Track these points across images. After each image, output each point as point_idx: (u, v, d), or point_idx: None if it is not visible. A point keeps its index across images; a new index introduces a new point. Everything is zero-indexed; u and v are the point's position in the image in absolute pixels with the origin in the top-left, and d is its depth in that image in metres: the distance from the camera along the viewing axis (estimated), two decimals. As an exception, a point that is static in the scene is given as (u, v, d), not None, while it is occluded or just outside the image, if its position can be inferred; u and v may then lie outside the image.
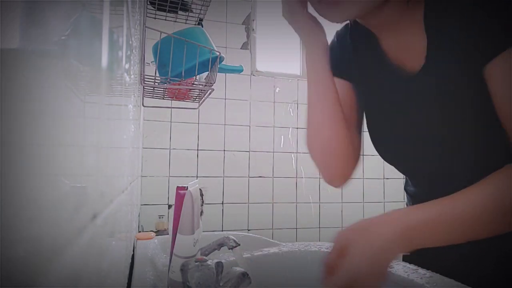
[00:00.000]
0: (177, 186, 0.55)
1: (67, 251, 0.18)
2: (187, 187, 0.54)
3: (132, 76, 0.70)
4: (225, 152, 2.40)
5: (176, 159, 2.29)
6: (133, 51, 0.71)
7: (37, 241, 0.14)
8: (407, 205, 0.79)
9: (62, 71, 0.18)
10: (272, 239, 0.90)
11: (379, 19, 0.58)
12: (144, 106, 1.30)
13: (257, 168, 2.44)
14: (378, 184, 2.56)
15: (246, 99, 2.47)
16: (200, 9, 1.16)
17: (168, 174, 2.27)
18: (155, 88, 1.12)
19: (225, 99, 2.42)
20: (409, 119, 0.63)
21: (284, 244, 0.81)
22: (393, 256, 0.45)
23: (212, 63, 1.04)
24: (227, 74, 2.23)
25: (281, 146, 2.51)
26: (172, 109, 1.96)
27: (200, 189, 0.59)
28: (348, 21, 0.72)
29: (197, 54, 0.97)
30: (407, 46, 0.60)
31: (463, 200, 0.47)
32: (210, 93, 1.12)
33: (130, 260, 0.70)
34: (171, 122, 2.29)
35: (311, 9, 0.63)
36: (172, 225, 0.55)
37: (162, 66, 1.01)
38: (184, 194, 0.52)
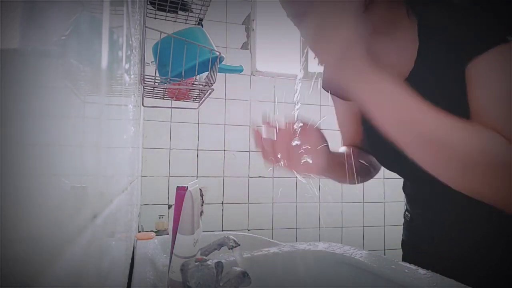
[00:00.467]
0: (177, 186, 0.55)
1: (67, 251, 0.18)
2: (187, 187, 0.54)
3: (132, 76, 0.70)
4: (225, 152, 2.40)
5: (176, 159, 2.29)
6: (133, 51, 0.71)
7: (37, 241, 0.14)
8: (406, 205, 0.79)
9: (62, 71, 0.18)
10: (272, 239, 0.91)
11: (370, 25, 0.58)
12: (144, 106, 1.30)
13: (257, 168, 2.44)
14: (378, 184, 2.56)
15: (246, 99, 2.47)
16: (200, 9, 1.16)
17: (168, 174, 2.27)
18: (155, 88, 1.12)
19: (225, 99, 2.42)
20: None
21: (284, 244, 0.81)
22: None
23: (212, 63, 1.04)
24: (227, 74, 2.23)
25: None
26: (172, 109, 1.96)
27: (200, 189, 0.59)
28: None
29: (197, 54, 0.97)
30: (397, 51, 0.60)
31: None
32: (210, 93, 1.12)
33: (130, 260, 0.70)
34: (171, 122, 2.29)
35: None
36: (172, 225, 0.55)
37: (162, 66, 1.01)
38: (184, 194, 0.52)
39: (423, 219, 0.72)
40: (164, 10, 1.14)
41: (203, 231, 0.63)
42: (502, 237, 0.59)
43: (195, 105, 1.28)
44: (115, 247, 0.39)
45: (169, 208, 2.22)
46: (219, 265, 0.47)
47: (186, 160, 2.31)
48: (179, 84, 1.05)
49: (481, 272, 0.60)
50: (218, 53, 1.02)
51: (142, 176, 2.11)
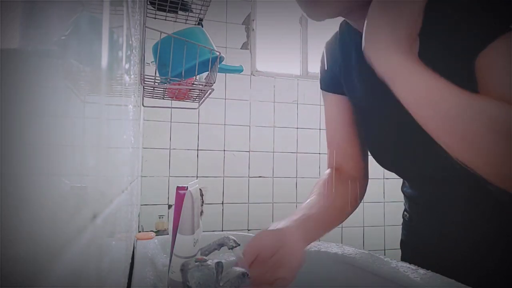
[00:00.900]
0: (177, 186, 0.55)
1: (67, 251, 0.18)
2: (187, 187, 0.54)
3: (132, 76, 0.70)
4: (225, 152, 2.40)
5: (176, 159, 2.29)
6: (133, 51, 0.71)
7: (37, 241, 0.14)
8: (404, 205, 0.79)
9: (62, 71, 0.18)
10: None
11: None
12: (144, 106, 1.30)
13: (257, 168, 2.44)
14: (378, 184, 2.56)
15: (246, 99, 2.47)
16: (200, 9, 1.16)
17: (168, 174, 2.27)
18: (155, 88, 1.12)
19: (225, 99, 2.42)
20: (401, 123, 0.63)
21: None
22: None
23: (212, 63, 1.04)
24: (227, 74, 2.23)
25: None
26: (172, 109, 1.96)
27: (200, 189, 0.59)
28: (337, 30, 0.73)
29: (197, 54, 0.97)
30: None
31: None
32: (210, 93, 1.12)
33: (130, 260, 0.70)
34: (171, 122, 2.29)
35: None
36: (172, 225, 0.55)
37: (162, 66, 1.01)
38: (184, 194, 0.52)
39: (422, 219, 0.72)
40: (164, 10, 1.14)
41: (203, 231, 0.63)
42: (502, 237, 0.59)
43: (195, 105, 1.28)
44: (115, 247, 0.39)
45: (169, 208, 2.22)
46: (219, 265, 0.47)
47: (186, 160, 2.31)
48: (179, 84, 1.05)
49: (481, 272, 0.60)
50: (218, 53, 1.02)
51: (142, 176, 2.11)
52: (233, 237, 0.61)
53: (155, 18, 1.17)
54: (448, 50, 0.52)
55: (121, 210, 0.46)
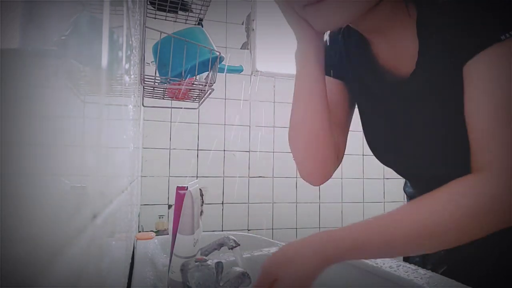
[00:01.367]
0: (177, 186, 0.55)
1: (67, 251, 0.18)
2: (187, 187, 0.54)
3: (132, 76, 0.70)
4: (225, 152, 2.40)
5: (176, 159, 2.29)
6: (133, 51, 0.71)
7: (37, 241, 0.14)
8: None
9: (62, 71, 0.18)
10: (272, 239, 0.91)
11: (369, 24, 0.58)
12: (144, 106, 1.30)
13: (257, 168, 2.44)
14: (378, 184, 2.56)
15: (246, 99, 2.47)
16: (200, 9, 1.16)
17: (168, 174, 2.27)
18: (155, 88, 1.12)
19: (225, 99, 2.42)
20: (401, 123, 0.63)
21: (284, 244, 0.81)
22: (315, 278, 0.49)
23: (212, 63, 1.04)
24: (227, 74, 2.23)
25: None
26: (172, 109, 1.96)
27: (200, 189, 0.59)
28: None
29: (197, 54, 0.97)
30: (398, 51, 0.59)
31: (398, 218, 0.49)
32: (210, 93, 1.12)
33: (130, 260, 0.70)
34: (171, 122, 2.29)
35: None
36: (172, 225, 0.55)
37: (162, 66, 1.01)
38: (184, 194, 0.52)
39: None
40: (164, 10, 1.14)
41: (203, 231, 0.63)
42: (502, 237, 0.59)
43: (195, 105, 1.28)
44: (115, 247, 0.39)
45: (169, 208, 2.22)
46: (219, 265, 0.47)
47: (186, 160, 2.31)
48: (179, 84, 1.05)
49: (481, 272, 0.60)
50: (218, 53, 1.02)
51: (142, 176, 2.11)
52: (233, 237, 0.61)
53: (155, 18, 1.17)
54: (444, 53, 0.52)
55: (121, 210, 0.46)
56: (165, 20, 1.19)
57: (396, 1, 0.55)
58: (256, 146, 2.45)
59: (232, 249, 0.60)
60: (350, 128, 0.76)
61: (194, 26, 1.19)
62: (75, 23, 0.20)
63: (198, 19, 1.20)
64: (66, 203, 0.19)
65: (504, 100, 0.45)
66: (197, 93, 1.17)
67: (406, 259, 0.74)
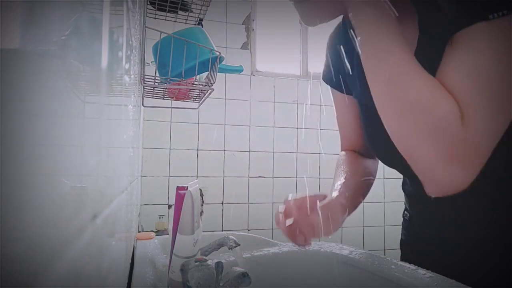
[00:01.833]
0: (177, 186, 0.55)
1: (67, 251, 0.18)
2: (187, 187, 0.54)
3: (132, 76, 0.70)
4: (225, 152, 2.40)
5: (176, 159, 2.29)
6: (133, 51, 0.71)
7: (37, 241, 0.14)
8: (405, 204, 0.79)
9: (62, 71, 0.18)
10: (272, 239, 0.91)
11: None
12: (144, 106, 1.30)
13: (257, 168, 2.44)
14: (378, 184, 2.56)
15: (246, 99, 2.47)
16: (200, 9, 1.16)
17: (168, 174, 2.27)
18: (155, 88, 1.12)
19: (225, 99, 2.42)
20: None
21: (284, 244, 0.81)
22: None
23: (212, 63, 1.04)
24: (227, 74, 2.23)
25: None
26: (172, 109, 1.96)
27: (200, 189, 0.59)
28: (340, 21, 0.72)
29: (197, 54, 0.97)
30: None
31: None
32: (210, 93, 1.12)
33: (130, 260, 0.70)
34: (171, 122, 2.29)
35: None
36: (172, 225, 0.55)
37: (162, 66, 1.01)
38: (184, 194, 0.52)
39: (422, 218, 0.72)
40: (164, 10, 1.14)
41: (203, 231, 0.63)
42: (502, 237, 0.59)
43: (195, 105, 1.28)
44: (115, 247, 0.39)
45: (169, 208, 2.22)
46: (219, 265, 0.47)
47: (186, 160, 2.31)
48: (179, 84, 1.05)
49: (481, 272, 0.60)
50: (218, 53, 1.02)
51: (142, 176, 2.11)
52: (233, 237, 0.61)
53: (155, 18, 1.17)
54: (440, 38, 0.52)
55: (121, 210, 0.46)
56: (165, 20, 1.19)
57: None
58: (256, 146, 2.45)
59: (232, 249, 0.60)
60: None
61: (194, 26, 1.19)
62: (75, 23, 0.20)
63: (198, 19, 1.20)
64: (66, 203, 0.19)
65: (480, 74, 0.45)
66: (197, 93, 1.17)
67: (406, 259, 0.74)
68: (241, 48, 2.50)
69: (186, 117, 2.30)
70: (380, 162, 0.76)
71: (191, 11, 1.18)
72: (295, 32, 2.70)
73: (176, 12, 1.16)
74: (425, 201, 0.71)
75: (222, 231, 2.29)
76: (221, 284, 0.46)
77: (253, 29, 2.53)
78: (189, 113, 2.26)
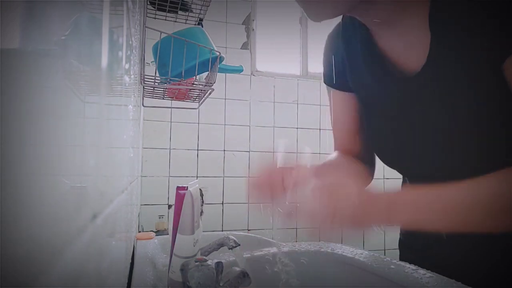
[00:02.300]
0: (177, 186, 0.55)
1: (67, 251, 0.18)
2: (187, 187, 0.54)
3: (132, 76, 0.70)
4: (225, 152, 2.40)
5: (176, 159, 2.29)
6: (133, 51, 0.71)
7: (37, 241, 0.14)
8: None
9: (62, 71, 0.18)
10: (272, 239, 0.91)
11: (376, 15, 0.56)
12: (144, 106, 1.30)
13: (257, 168, 2.44)
14: (378, 184, 2.55)
15: (246, 99, 2.47)
16: (200, 9, 1.16)
17: (168, 174, 2.27)
18: (155, 88, 1.12)
19: (225, 99, 2.42)
20: (406, 120, 0.62)
21: (284, 244, 0.81)
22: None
23: (212, 63, 1.04)
24: (227, 74, 2.23)
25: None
26: (172, 109, 1.96)
27: (200, 189, 0.59)
28: (340, 20, 0.71)
29: (197, 54, 0.97)
30: (408, 43, 0.57)
31: (455, 190, 0.49)
32: (210, 93, 1.12)
33: (130, 260, 0.70)
34: (171, 122, 2.29)
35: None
36: (172, 225, 0.55)
37: (162, 66, 1.01)
38: (184, 194, 0.52)
39: None
40: (164, 10, 1.14)
41: (203, 231, 0.63)
42: (502, 236, 0.59)
43: (195, 105, 1.28)
44: (115, 247, 0.39)
45: (169, 208, 2.22)
46: (219, 265, 0.47)
47: (186, 160, 2.31)
48: (179, 84, 1.05)
49: (481, 272, 0.60)
50: (218, 53, 1.02)
51: (142, 176, 2.11)
52: (233, 237, 0.61)
53: (155, 18, 1.17)
54: (463, 47, 0.51)
55: (121, 210, 0.46)
56: (165, 20, 1.19)
57: None
58: (256, 146, 2.45)
59: (232, 249, 0.60)
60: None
61: (194, 26, 1.19)
62: (75, 23, 0.20)
63: (198, 19, 1.20)
64: (66, 203, 0.19)
65: None
66: (197, 93, 1.17)
67: (405, 259, 0.74)
68: (241, 48, 2.50)
69: (186, 117, 2.30)
70: (379, 163, 0.75)
71: (191, 11, 1.18)
72: (295, 32, 2.70)
73: (176, 12, 1.16)
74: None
75: (222, 231, 2.29)
76: (221, 284, 0.46)
77: (253, 29, 2.53)
78: (189, 113, 2.26)
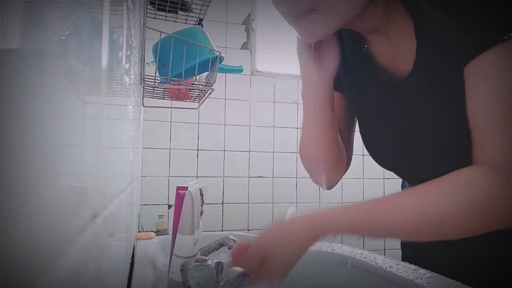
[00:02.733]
0: (177, 186, 0.55)
1: (67, 251, 0.18)
2: (187, 187, 0.54)
3: (132, 76, 0.70)
4: (225, 152, 2.40)
5: (176, 159, 2.29)
6: (133, 51, 0.71)
7: (37, 241, 0.14)
8: None
9: (62, 71, 0.18)
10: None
11: (366, 24, 0.57)
12: (144, 106, 1.30)
13: (257, 168, 2.44)
14: (378, 184, 2.56)
15: (246, 99, 2.47)
16: (200, 9, 1.16)
17: (168, 174, 2.27)
18: (155, 88, 1.12)
19: (225, 99, 2.42)
20: (399, 124, 0.63)
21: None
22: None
23: (212, 63, 1.04)
24: (227, 74, 2.23)
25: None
26: (172, 109, 1.96)
27: (200, 189, 0.59)
28: None
29: (197, 54, 0.97)
30: (396, 50, 0.59)
31: (389, 205, 0.50)
32: (210, 93, 1.12)
33: (130, 260, 0.70)
34: (171, 122, 2.29)
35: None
36: (172, 225, 0.55)
37: (162, 66, 1.01)
38: (184, 194, 0.52)
39: None
40: (164, 10, 1.14)
41: (203, 231, 0.63)
42: (502, 236, 0.59)
43: (195, 105, 1.28)
44: (115, 247, 0.39)
45: (169, 208, 2.22)
46: (219, 265, 0.47)
47: (186, 160, 2.31)
48: (179, 84, 1.05)
49: (481, 272, 0.60)
50: (218, 53, 1.02)
51: (142, 176, 2.11)
52: (233, 237, 0.61)
53: (155, 18, 1.17)
54: (442, 53, 0.52)
55: (121, 210, 0.46)
56: (165, 20, 1.19)
57: (392, 1, 0.54)
58: (256, 146, 2.45)
59: (231, 248, 0.60)
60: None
61: (194, 26, 1.19)
62: (75, 23, 0.20)
63: (198, 19, 1.20)
64: (66, 203, 0.19)
65: (508, 100, 0.45)
66: (197, 93, 1.17)
67: (407, 258, 0.74)
68: (241, 48, 2.50)
69: (186, 117, 2.30)
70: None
71: (191, 11, 1.18)
72: (295, 32, 2.69)
73: (176, 12, 1.16)
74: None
75: (222, 231, 2.29)
76: (221, 284, 0.46)
77: (253, 29, 2.53)
78: (189, 113, 2.26)
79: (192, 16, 1.20)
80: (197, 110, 1.52)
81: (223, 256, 0.70)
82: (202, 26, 1.17)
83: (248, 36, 2.52)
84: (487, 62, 0.46)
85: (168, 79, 1.00)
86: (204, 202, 0.63)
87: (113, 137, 0.37)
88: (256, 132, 2.47)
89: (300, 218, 0.52)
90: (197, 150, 2.34)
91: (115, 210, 0.37)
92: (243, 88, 2.47)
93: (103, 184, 0.30)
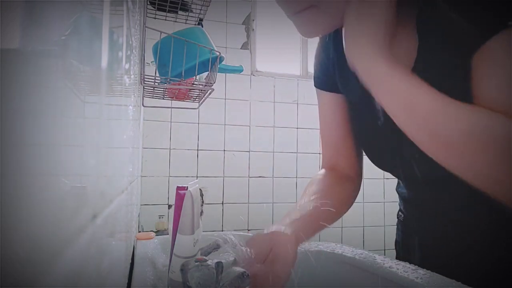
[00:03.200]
0: (177, 186, 0.55)
1: (67, 251, 0.18)
2: (187, 187, 0.54)
3: (132, 76, 0.70)
4: (225, 152, 2.40)
5: (176, 159, 2.29)
6: (133, 51, 0.71)
7: (37, 241, 0.14)
8: (399, 206, 0.79)
9: (62, 71, 0.18)
10: (272, 239, 0.90)
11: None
12: (144, 106, 1.30)
13: (257, 168, 2.44)
14: (378, 184, 2.56)
15: (246, 99, 2.47)
16: (200, 9, 1.16)
17: (168, 174, 2.27)
18: (155, 88, 1.12)
19: (225, 99, 2.42)
20: (394, 122, 0.62)
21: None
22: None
23: (212, 63, 1.04)
24: (227, 74, 2.23)
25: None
26: (172, 109, 1.96)
27: (200, 189, 0.59)
28: None
29: (197, 54, 0.97)
30: (397, 48, 0.58)
31: None
32: (210, 93, 1.12)
33: (130, 260, 0.70)
34: (171, 122, 2.29)
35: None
36: (172, 225, 0.55)
37: (162, 66, 1.01)
38: (184, 194, 0.52)
39: (417, 219, 0.72)
40: (164, 10, 1.14)
41: (203, 231, 0.63)
42: (500, 236, 0.59)
43: (195, 105, 1.28)
44: (115, 247, 0.39)
45: (169, 208, 2.22)
46: (219, 265, 0.47)
47: (186, 160, 2.31)
48: (179, 84, 1.05)
49: (479, 272, 0.60)
50: (218, 53, 1.02)
51: (142, 176, 2.11)
52: (233, 237, 0.61)
53: (155, 18, 1.17)
54: (445, 47, 0.52)
55: (121, 210, 0.46)
56: (165, 20, 1.19)
57: None
58: (256, 146, 2.45)
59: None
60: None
61: (194, 26, 1.19)
62: (75, 23, 0.20)
63: (198, 19, 1.20)
64: (66, 203, 0.19)
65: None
66: (197, 93, 1.17)
67: (407, 259, 0.74)
68: (241, 48, 2.50)
69: (186, 117, 2.30)
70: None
71: (191, 11, 1.18)
72: (295, 32, 2.69)
73: (176, 12, 1.16)
74: (419, 202, 0.71)
75: (222, 231, 2.29)
76: (221, 284, 0.46)
77: (253, 29, 2.53)
78: (189, 113, 2.26)
79: (192, 16, 1.20)
80: (197, 110, 1.52)
81: (223, 256, 0.70)
82: (202, 26, 1.17)
83: (248, 36, 2.52)
84: (494, 47, 0.46)
85: (168, 79, 1.00)
86: (204, 202, 0.63)
87: (113, 137, 0.37)
88: (256, 132, 2.47)
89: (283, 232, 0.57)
90: (197, 150, 2.34)
91: (115, 210, 0.37)
92: (243, 88, 2.47)
93: (103, 184, 0.30)
